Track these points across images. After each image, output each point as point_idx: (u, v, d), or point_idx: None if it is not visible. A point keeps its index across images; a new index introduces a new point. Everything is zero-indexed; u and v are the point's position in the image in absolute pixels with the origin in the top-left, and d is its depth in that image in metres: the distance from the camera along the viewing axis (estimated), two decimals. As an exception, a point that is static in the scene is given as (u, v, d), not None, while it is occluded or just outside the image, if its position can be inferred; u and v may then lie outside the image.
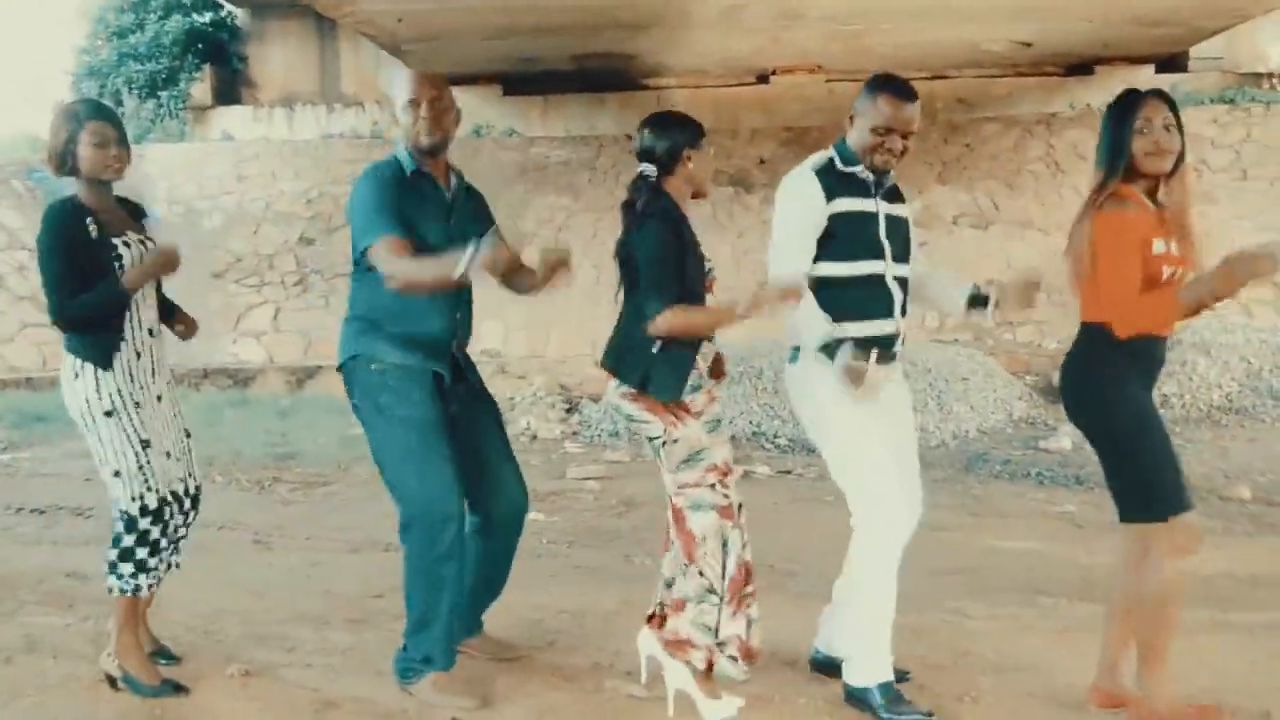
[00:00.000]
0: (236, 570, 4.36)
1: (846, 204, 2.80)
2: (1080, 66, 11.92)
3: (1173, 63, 11.84)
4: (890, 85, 2.81)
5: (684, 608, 2.78)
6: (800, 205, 2.81)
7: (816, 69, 11.73)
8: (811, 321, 2.75)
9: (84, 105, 3.02)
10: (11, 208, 11.78)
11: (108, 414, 2.92)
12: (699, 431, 2.79)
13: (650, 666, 2.90)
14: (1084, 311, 2.71)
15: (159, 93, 13.02)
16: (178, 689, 3.00)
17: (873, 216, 2.84)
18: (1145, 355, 2.67)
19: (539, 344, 11.35)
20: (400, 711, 2.90)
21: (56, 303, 2.88)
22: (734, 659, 2.79)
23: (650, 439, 2.84)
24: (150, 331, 3.04)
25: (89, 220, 2.92)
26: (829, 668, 3.02)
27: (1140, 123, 2.61)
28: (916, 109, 2.82)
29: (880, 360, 2.83)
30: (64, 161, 2.94)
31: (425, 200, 2.96)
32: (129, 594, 3.00)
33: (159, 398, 3.05)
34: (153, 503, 2.98)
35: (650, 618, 2.90)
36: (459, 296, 3.00)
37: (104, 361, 2.92)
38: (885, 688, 2.81)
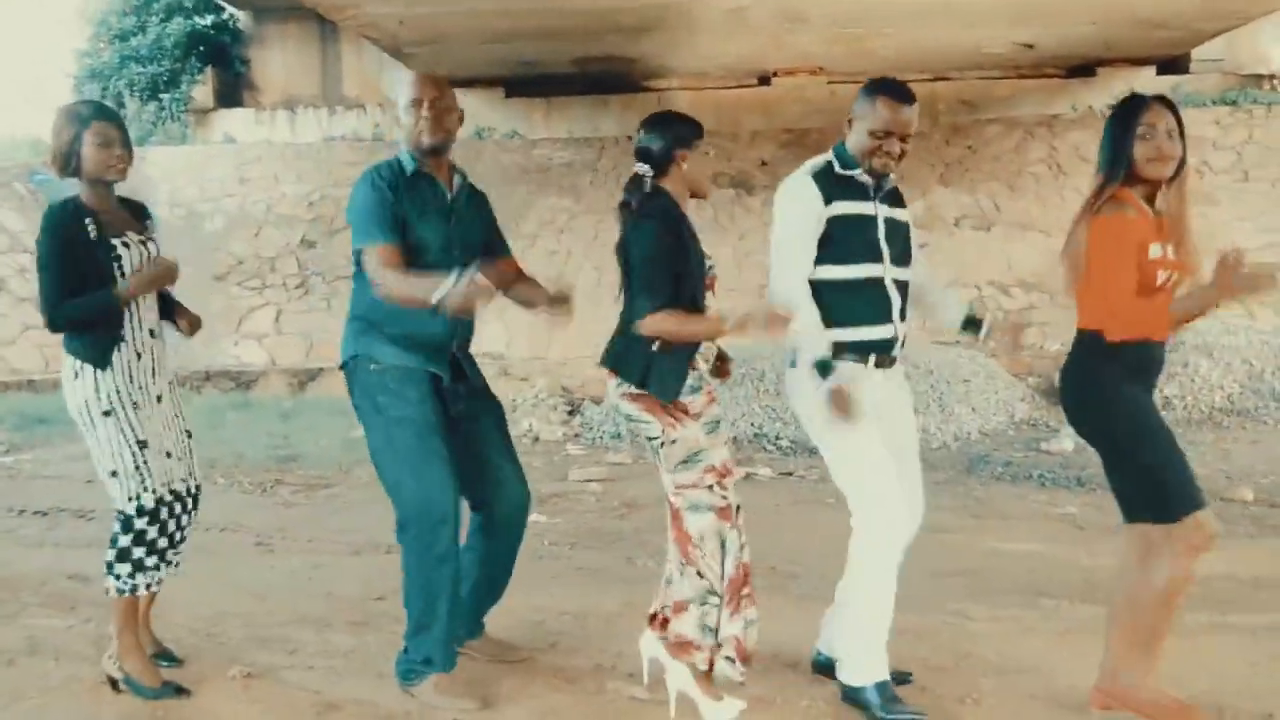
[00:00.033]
0: (238, 572, 4.36)
1: (844, 207, 2.80)
2: (1082, 68, 11.94)
3: (1174, 64, 11.87)
4: (888, 88, 2.81)
5: (685, 609, 2.78)
6: (798, 209, 2.81)
7: (818, 71, 11.75)
8: (808, 335, 2.74)
9: (88, 106, 3.03)
10: (13, 210, 11.80)
11: (105, 414, 2.92)
12: (697, 433, 2.79)
13: (652, 669, 2.90)
14: (1080, 318, 2.70)
15: (160, 95, 13.05)
16: (179, 691, 3.01)
17: (871, 219, 2.84)
18: (1143, 359, 2.66)
19: (541, 346, 11.36)
20: (402, 713, 2.90)
21: (47, 306, 2.89)
22: (731, 660, 2.79)
23: (649, 439, 2.84)
24: (151, 332, 3.05)
25: (89, 221, 2.92)
26: (831, 670, 3.01)
27: (1143, 128, 2.60)
28: (914, 112, 2.82)
29: (879, 365, 2.84)
30: (68, 162, 2.94)
31: (425, 200, 2.97)
32: (127, 594, 3.00)
33: (159, 398, 3.05)
34: (149, 503, 2.98)
35: (652, 619, 2.90)
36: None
37: (102, 362, 2.92)
38: (881, 687, 2.81)
